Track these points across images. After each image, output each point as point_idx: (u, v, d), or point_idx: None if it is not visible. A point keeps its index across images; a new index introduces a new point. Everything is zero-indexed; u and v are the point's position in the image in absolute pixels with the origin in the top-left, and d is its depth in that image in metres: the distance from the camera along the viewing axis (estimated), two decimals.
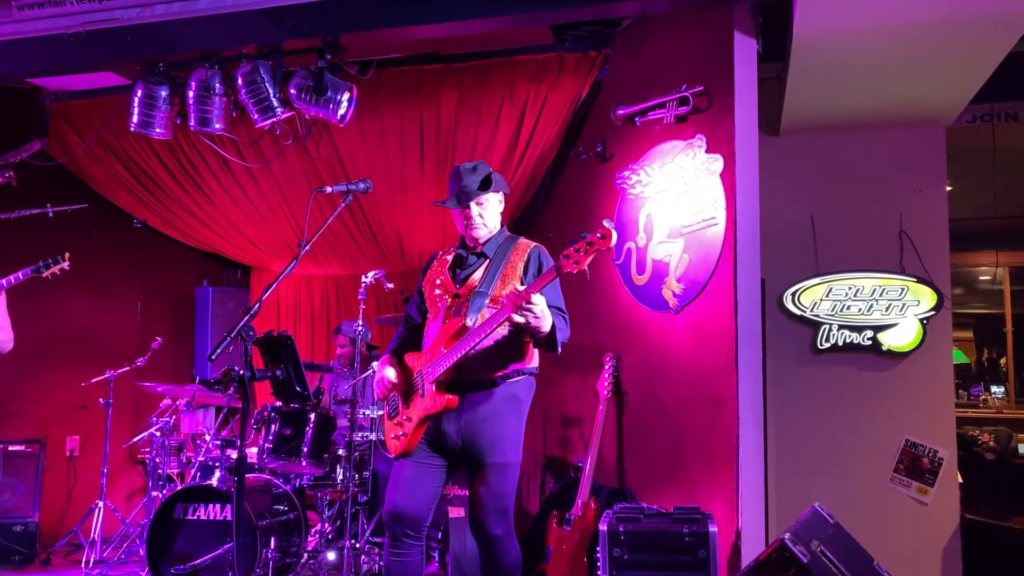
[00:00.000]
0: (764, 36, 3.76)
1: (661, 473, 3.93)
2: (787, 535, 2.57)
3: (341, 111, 4.28)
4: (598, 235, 2.50)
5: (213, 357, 2.46)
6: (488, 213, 2.96)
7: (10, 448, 5.00)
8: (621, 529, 3.29)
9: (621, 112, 4.17)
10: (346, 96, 4.27)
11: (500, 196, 3.02)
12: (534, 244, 2.99)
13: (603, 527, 3.33)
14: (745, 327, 3.48)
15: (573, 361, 4.50)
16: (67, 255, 3.79)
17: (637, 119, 4.12)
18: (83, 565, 4.62)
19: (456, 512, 4.16)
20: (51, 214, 4.97)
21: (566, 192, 4.91)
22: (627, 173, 4.13)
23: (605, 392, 4.07)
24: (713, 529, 3.22)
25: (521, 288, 2.62)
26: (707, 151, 3.71)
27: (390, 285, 4.65)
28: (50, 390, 5.42)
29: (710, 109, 3.77)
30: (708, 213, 3.66)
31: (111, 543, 4.89)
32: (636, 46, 4.34)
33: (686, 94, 3.84)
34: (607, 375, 4.10)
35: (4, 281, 3.68)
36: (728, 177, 3.60)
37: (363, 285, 4.52)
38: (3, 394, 5.10)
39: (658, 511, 3.43)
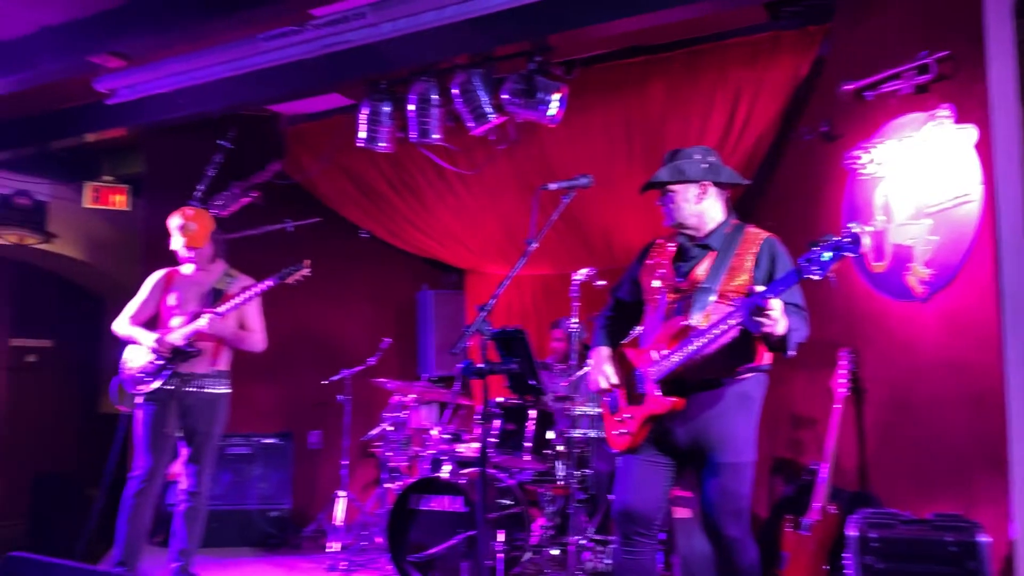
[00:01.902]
0: None
1: (910, 477, 3.60)
2: None
3: (551, 111, 4.32)
4: (847, 240, 2.30)
5: (455, 351, 2.56)
6: (676, 204, 2.81)
7: (264, 441, 5.54)
8: (873, 536, 3.04)
9: (848, 87, 3.88)
10: (556, 96, 4.31)
11: (693, 187, 2.81)
12: (766, 235, 2.79)
13: (852, 533, 3.10)
14: (1012, 315, 3.09)
15: (801, 357, 4.15)
16: (307, 262, 4.10)
17: (867, 93, 3.81)
18: (329, 550, 5.00)
19: (682, 513, 4.06)
20: (291, 229, 5.45)
21: (787, 177, 4.65)
22: (858, 152, 3.83)
23: (841, 390, 3.79)
24: (983, 539, 2.89)
25: (757, 289, 2.47)
26: (956, 121, 3.35)
27: (601, 283, 4.63)
28: (295, 388, 5.94)
29: (957, 75, 3.40)
30: (960, 190, 3.30)
31: (352, 531, 5.26)
32: (861, 16, 4.02)
33: (927, 61, 3.49)
34: (843, 371, 3.81)
35: (258, 286, 4.06)
36: (983, 149, 3.23)
37: (575, 283, 4.53)
38: (258, 392, 5.66)
39: (914, 518, 3.13)
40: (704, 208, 2.83)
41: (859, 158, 3.84)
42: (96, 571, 1.68)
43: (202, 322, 3.94)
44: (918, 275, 3.50)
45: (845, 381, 3.79)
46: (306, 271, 4.07)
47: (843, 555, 3.19)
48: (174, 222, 4.15)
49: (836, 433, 3.72)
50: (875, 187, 3.76)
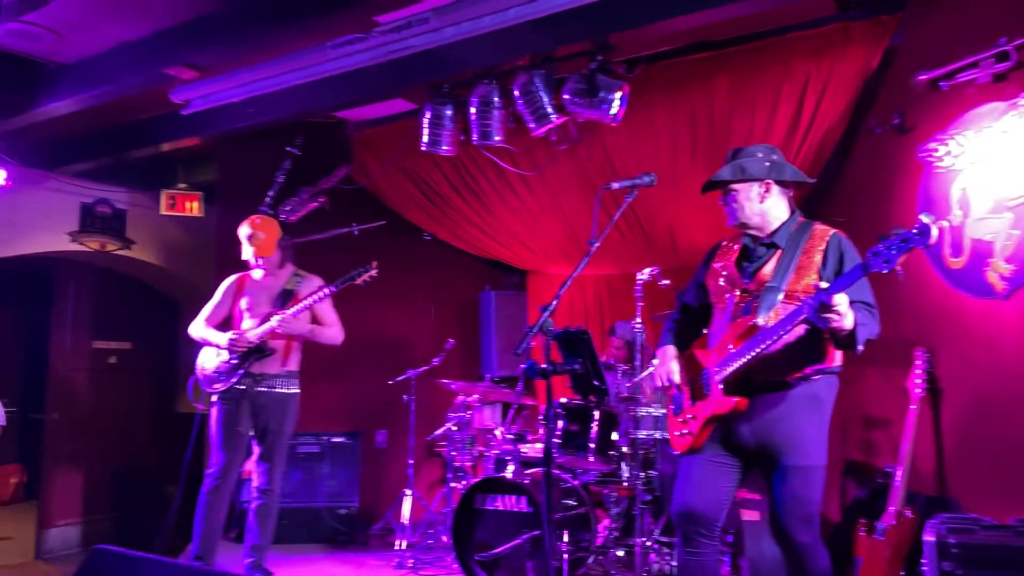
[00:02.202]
0: None
1: (991, 481, 3.46)
2: None
3: (613, 110, 4.30)
4: (914, 231, 2.22)
5: (518, 351, 2.58)
6: (737, 203, 2.78)
7: (333, 440, 5.67)
8: (952, 541, 2.93)
9: (922, 78, 3.75)
10: (618, 95, 4.28)
11: (755, 185, 2.77)
12: (833, 231, 2.73)
13: (929, 538, 2.99)
14: None
15: (873, 356, 4.05)
16: (375, 263, 4.20)
17: (942, 83, 3.68)
18: (396, 547, 5.08)
19: (750, 515, 3.99)
20: (356, 232, 5.57)
21: (857, 171, 4.52)
22: (933, 144, 3.70)
23: (917, 390, 3.67)
24: None
25: (822, 285, 2.42)
26: None
27: (665, 282, 4.59)
28: (362, 388, 6.05)
29: None
30: None
31: (418, 529, 5.33)
32: (936, 3, 3.89)
33: (1006, 48, 3.35)
34: (918, 371, 3.69)
35: (328, 289, 4.17)
36: None
37: (639, 283, 4.51)
38: (327, 392, 5.78)
39: (995, 523, 3.01)
40: (767, 207, 2.79)
41: (934, 150, 3.71)
42: (176, 564, 1.75)
43: (273, 322, 4.05)
44: (999, 271, 3.36)
45: (921, 381, 3.67)
46: (374, 272, 4.16)
47: (921, 561, 3.08)
48: (243, 232, 4.28)
49: (912, 435, 3.60)
50: (952, 180, 3.63)
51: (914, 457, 3.62)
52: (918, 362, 3.72)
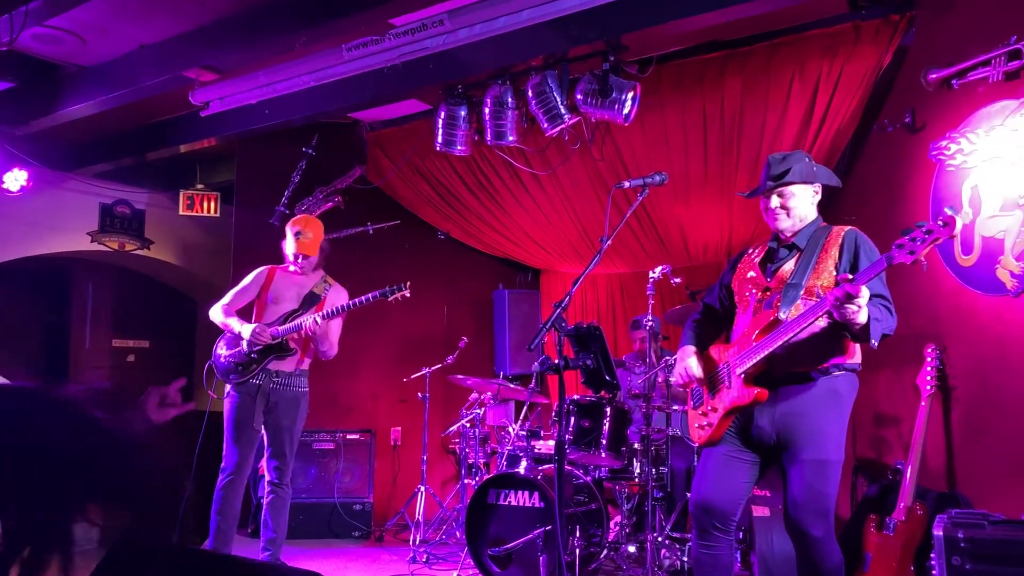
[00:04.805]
0: None
1: (1002, 477, 3.47)
2: None
3: (626, 110, 4.35)
4: (939, 223, 2.29)
5: (532, 347, 2.62)
6: (793, 204, 2.82)
7: (348, 437, 5.73)
8: (960, 535, 2.94)
9: (933, 76, 3.77)
10: (630, 95, 4.33)
11: (812, 188, 2.86)
12: (848, 228, 2.79)
13: (938, 532, 3.01)
14: None
15: (885, 354, 4.09)
16: (408, 283, 4.13)
17: (954, 82, 3.70)
18: (410, 543, 5.13)
19: (760, 511, 4.02)
20: (371, 231, 5.64)
21: (868, 170, 4.54)
22: (944, 143, 3.72)
23: (928, 387, 3.69)
24: None
25: (849, 277, 2.44)
26: None
27: (677, 280, 4.63)
28: (377, 386, 6.12)
29: None
30: None
31: (432, 525, 5.38)
32: (948, 2, 3.90)
33: (1017, 46, 3.36)
34: (929, 368, 3.71)
35: (352, 302, 4.12)
36: None
37: (651, 280, 4.55)
38: (341, 389, 5.85)
39: (1005, 519, 3.03)
40: (811, 209, 2.88)
41: (946, 149, 3.73)
42: (198, 551, 1.81)
43: (308, 321, 4.03)
44: (1009, 268, 3.38)
45: (932, 378, 3.69)
46: (406, 292, 4.11)
47: (930, 556, 3.10)
48: (291, 227, 4.21)
49: (922, 431, 3.62)
50: (963, 179, 3.64)
51: (924, 454, 3.64)
52: (929, 359, 3.73)
